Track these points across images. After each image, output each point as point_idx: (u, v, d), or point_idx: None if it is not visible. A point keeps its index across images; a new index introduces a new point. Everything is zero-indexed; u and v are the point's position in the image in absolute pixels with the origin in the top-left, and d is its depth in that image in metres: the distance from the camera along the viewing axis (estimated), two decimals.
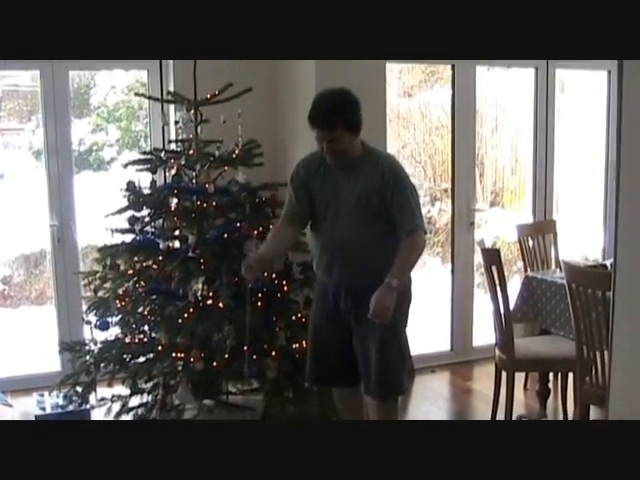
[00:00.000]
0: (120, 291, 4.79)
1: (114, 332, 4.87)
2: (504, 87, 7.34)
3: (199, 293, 4.67)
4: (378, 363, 3.90)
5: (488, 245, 5.05)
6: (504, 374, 4.84)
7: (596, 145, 6.99)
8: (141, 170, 4.92)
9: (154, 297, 4.76)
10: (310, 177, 3.99)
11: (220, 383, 4.82)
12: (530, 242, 5.78)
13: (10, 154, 7.27)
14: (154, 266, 4.73)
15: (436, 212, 7.89)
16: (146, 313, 4.76)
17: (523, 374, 5.59)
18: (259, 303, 4.68)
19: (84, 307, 5.11)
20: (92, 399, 5.00)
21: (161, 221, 4.87)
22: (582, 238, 7.19)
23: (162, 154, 4.98)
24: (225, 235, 4.72)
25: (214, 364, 4.52)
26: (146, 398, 4.83)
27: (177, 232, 4.87)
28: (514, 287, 5.30)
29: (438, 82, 7.71)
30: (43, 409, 5.10)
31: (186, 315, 4.58)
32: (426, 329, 6.49)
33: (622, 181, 3.09)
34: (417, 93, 8.13)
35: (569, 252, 6.11)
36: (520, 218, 6.80)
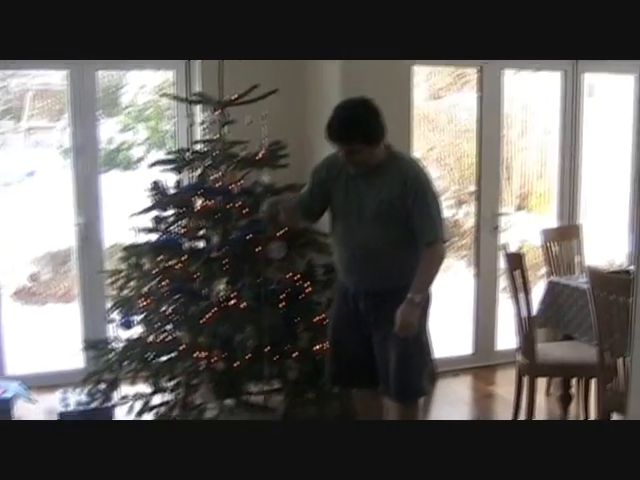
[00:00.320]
0: (144, 290, 4.82)
1: (137, 331, 4.89)
2: (532, 90, 7.31)
3: (222, 294, 4.69)
4: (397, 366, 3.90)
5: (513, 249, 5.03)
6: (526, 379, 4.82)
7: (624, 149, 6.94)
8: (166, 170, 4.95)
9: (177, 297, 4.77)
10: (332, 178, 3.99)
11: (241, 383, 4.83)
12: (555, 247, 5.74)
13: (40, 152, 7.36)
14: (178, 266, 4.73)
15: (462, 215, 7.87)
16: (169, 312, 4.78)
17: (545, 379, 5.55)
18: (281, 304, 4.71)
19: (108, 305, 5.14)
20: (115, 397, 5.04)
21: (185, 221, 4.89)
22: (609, 243, 7.14)
23: (187, 154, 5.01)
24: (249, 236, 4.72)
25: (235, 364, 4.54)
26: (168, 397, 4.84)
27: (201, 232, 4.90)
28: (540, 292, 5.27)
29: (466, 85, 7.69)
30: (67, 406, 5.15)
31: (208, 315, 4.59)
32: (449, 332, 6.47)
33: None
34: (445, 96, 8.12)
35: (595, 257, 6.07)
36: (547, 222, 6.76)
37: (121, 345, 4.91)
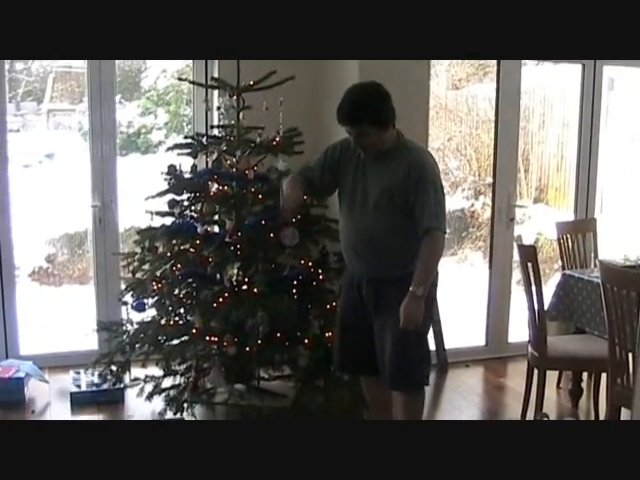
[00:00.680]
0: (157, 273, 4.84)
1: (150, 314, 4.92)
2: (552, 82, 7.28)
3: (234, 278, 4.71)
4: (392, 354, 3.90)
5: (529, 242, 5.01)
6: (536, 372, 4.82)
7: None
8: (182, 154, 4.96)
9: (190, 280, 4.80)
10: (344, 160, 3.99)
11: (252, 368, 4.86)
12: (569, 240, 5.72)
13: (61, 135, 7.40)
14: (191, 250, 4.76)
15: (479, 206, 7.87)
16: (182, 296, 4.80)
17: (557, 373, 5.54)
18: (294, 291, 4.73)
19: (122, 288, 5.17)
20: (126, 379, 5.09)
21: (200, 205, 4.91)
22: (626, 237, 7.11)
23: (204, 139, 5.03)
24: (263, 222, 4.73)
25: (247, 349, 4.55)
26: (178, 380, 4.89)
27: (215, 217, 4.92)
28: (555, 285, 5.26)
29: (487, 76, 7.68)
30: (78, 386, 5.21)
31: (221, 300, 4.61)
32: (462, 323, 6.48)
33: None
34: (465, 86, 8.10)
35: (612, 251, 6.04)
36: (564, 216, 6.74)
37: (134, 328, 4.94)
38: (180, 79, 5.89)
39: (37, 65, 6.90)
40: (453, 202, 7.80)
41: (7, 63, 5.69)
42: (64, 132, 7.39)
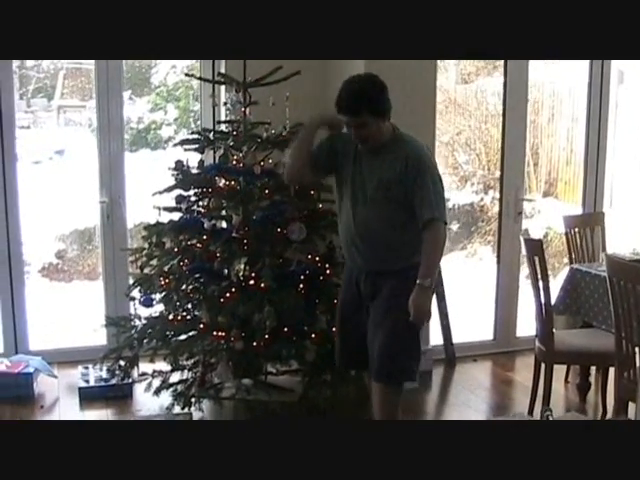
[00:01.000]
0: (165, 269, 4.86)
1: (158, 309, 4.94)
2: (562, 76, 7.25)
3: (241, 273, 4.72)
4: (382, 347, 3.88)
5: (538, 236, 5.01)
6: (544, 366, 4.81)
7: None
8: (189, 150, 4.98)
9: (197, 276, 4.82)
10: (343, 151, 4.02)
11: (259, 363, 4.87)
12: (577, 234, 5.71)
13: (71, 131, 7.42)
14: (198, 245, 4.77)
15: (489, 200, 7.85)
16: (189, 291, 4.82)
17: (565, 367, 5.54)
18: (301, 285, 4.73)
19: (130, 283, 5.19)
20: (134, 374, 5.11)
21: (207, 201, 4.92)
22: (637, 231, 7.09)
23: (211, 134, 5.04)
24: (270, 217, 4.75)
25: (254, 344, 4.56)
26: (186, 375, 4.90)
27: (223, 212, 4.93)
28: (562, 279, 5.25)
29: (497, 69, 7.65)
30: (87, 381, 5.23)
31: (228, 295, 4.62)
32: (470, 318, 6.48)
33: None
34: (474, 80, 8.08)
35: (621, 245, 6.03)
36: (573, 210, 6.73)
37: (142, 323, 4.96)
38: (187, 75, 5.91)
39: (48, 62, 6.92)
40: (462, 196, 7.78)
41: (18, 60, 5.72)
42: (74, 128, 7.42)
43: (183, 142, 5.01)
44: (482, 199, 7.93)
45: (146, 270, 4.97)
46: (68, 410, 5.03)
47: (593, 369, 5.35)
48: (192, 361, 4.87)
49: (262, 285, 4.60)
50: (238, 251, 4.71)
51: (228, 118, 5.06)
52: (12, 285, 5.64)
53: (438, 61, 5.68)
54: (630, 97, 7.05)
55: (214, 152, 5.07)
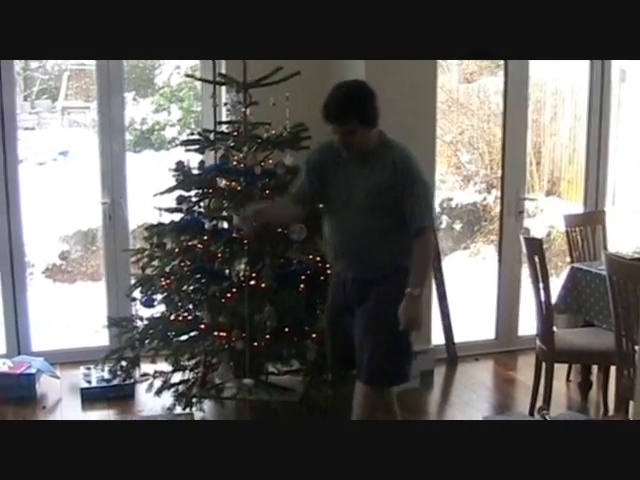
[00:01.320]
0: (166, 269, 4.87)
1: (159, 309, 4.95)
2: (563, 75, 7.25)
3: (242, 274, 4.72)
4: (368, 350, 3.85)
5: (541, 235, 5.00)
6: (544, 365, 4.81)
7: None
8: (190, 150, 4.99)
9: (198, 276, 4.83)
10: (327, 163, 3.97)
11: (261, 363, 4.87)
12: (578, 233, 5.70)
13: (75, 132, 7.45)
14: (199, 245, 4.78)
15: (492, 200, 7.84)
16: (190, 292, 4.83)
17: (567, 366, 5.54)
18: (301, 285, 4.74)
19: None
20: (136, 374, 5.12)
21: (208, 201, 4.93)
22: (637, 230, 7.08)
23: (211, 135, 5.05)
24: None
25: (255, 344, 4.57)
26: (187, 375, 4.91)
27: (223, 213, 4.94)
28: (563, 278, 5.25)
29: (499, 68, 7.65)
30: (89, 382, 5.25)
31: (229, 295, 4.64)
32: (472, 317, 6.48)
33: None
34: (477, 79, 8.08)
35: (623, 243, 6.02)
36: (576, 209, 6.72)
37: (143, 323, 4.97)
38: (188, 76, 5.92)
39: (52, 63, 6.95)
40: (465, 196, 7.79)
41: (22, 61, 5.73)
42: (78, 130, 7.44)
43: (184, 143, 5.03)
44: (485, 198, 7.93)
45: (148, 271, 4.98)
46: (70, 410, 5.05)
47: (595, 368, 5.34)
48: (193, 361, 4.88)
49: (263, 285, 4.60)
50: (239, 251, 4.71)
51: (229, 119, 5.06)
52: (15, 286, 5.65)
53: (440, 61, 5.69)
54: (632, 95, 7.04)
55: (215, 153, 5.07)
